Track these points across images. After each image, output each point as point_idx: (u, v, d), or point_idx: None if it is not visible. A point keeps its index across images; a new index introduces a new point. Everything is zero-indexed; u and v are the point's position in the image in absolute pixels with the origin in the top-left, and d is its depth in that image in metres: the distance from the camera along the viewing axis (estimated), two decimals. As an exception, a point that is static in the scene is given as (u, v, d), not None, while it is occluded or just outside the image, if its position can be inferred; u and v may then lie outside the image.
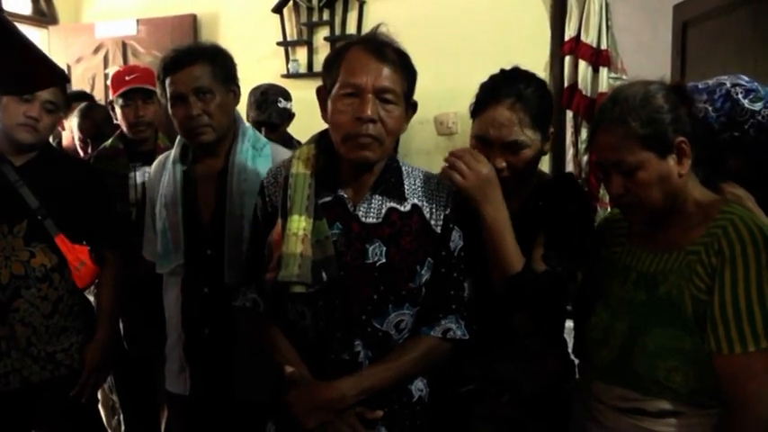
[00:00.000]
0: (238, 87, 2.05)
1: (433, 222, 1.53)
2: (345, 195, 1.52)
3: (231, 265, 1.89)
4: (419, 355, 1.51)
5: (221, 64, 1.96)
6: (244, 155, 1.97)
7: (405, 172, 1.57)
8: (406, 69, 1.49)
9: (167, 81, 1.92)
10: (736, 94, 1.63)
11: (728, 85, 1.65)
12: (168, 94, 1.93)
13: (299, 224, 1.46)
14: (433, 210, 1.54)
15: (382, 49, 1.46)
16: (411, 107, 1.55)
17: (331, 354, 1.49)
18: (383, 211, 1.51)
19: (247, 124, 2.13)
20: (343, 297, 1.48)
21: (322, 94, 1.54)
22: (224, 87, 1.95)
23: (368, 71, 1.43)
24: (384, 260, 1.47)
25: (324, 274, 1.45)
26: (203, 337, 1.97)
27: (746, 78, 1.68)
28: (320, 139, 1.58)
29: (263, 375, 1.74)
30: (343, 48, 1.52)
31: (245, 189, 1.92)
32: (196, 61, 1.90)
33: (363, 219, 1.50)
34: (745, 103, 1.62)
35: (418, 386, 1.57)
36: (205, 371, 1.99)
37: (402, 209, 1.52)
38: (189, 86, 1.88)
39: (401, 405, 1.53)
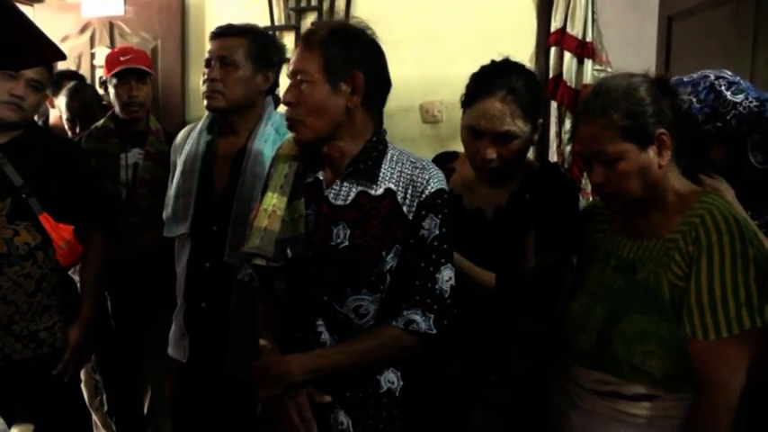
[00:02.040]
0: (274, 75, 2.10)
1: (405, 208, 1.48)
2: (322, 177, 1.55)
3: (232, 244, 1.91)
4: (376, 344, 1.48)
5: (260, 45, 2.04)
6: (264, 138, 2.01)
7: (390, 156, 1.54)
8: (327, 44, 1.47)
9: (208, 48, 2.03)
10: (720, 86, 1.67)
11: (712, 77, 1.69)
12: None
13: (271, 201, 1.53)
14: (408, 195, 1.49)
15: (307, 34, 1.51)
16: (352, 78, 1.48)
17: (298, 332, 1.52)
18: (352, 194, 1.50)
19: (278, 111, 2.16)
20: (309, 277, 1.50)
21: None
22: (253, 66, 2.02)
23: (292, 61, 1.52)
24: (347, 243, 1.47)
25: (289, 251, 1.49)
26: (201, 310, 2.02)
27: (730, 72, 1.72)
28: None
29: (252, 354, 1.77)
30: None
31: (258, 172, 1.94)
32: (235, 35, 2.01)
33: (333, 201, 1.51)
34: (728, 94, 1.65)
35: (389, 378, 1.53)
36: (201, 342, 2.04)
37: (373, 192, 1.49)
38: (216, 53, 1.99)
39: (366, 394, 1.51)
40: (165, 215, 2.16)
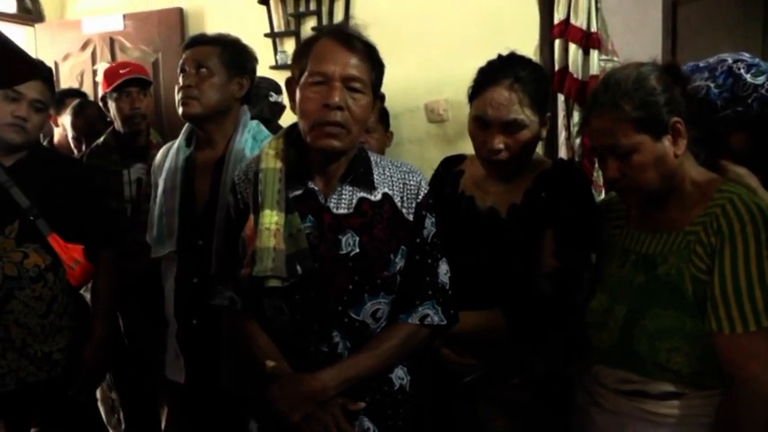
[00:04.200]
0: (248, 82, 2.09)
1: (404, 211, 1.53)
2: (316, 188, 1.53)
3: (218, 256, 1.88)
4: (398, 343, 1.51)
5: (232, 53, 2.04)
6: (242, 145, 2.00)
7: (374, 162, 1.58)
8: (372, 60, 1.51)
9: (182, 57, 2.02)
10: (738, 69, 1.62)
11: (730, 61, 1.64)
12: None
13: (271, 218, 1.48)
14: (405, 198, 1.54)
15: (350, 39, 1.49)
16: (378, 98, 1.57)
17: (310, 346, 1.49)
18: (354, 201, 1.51)
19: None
20: (319, 289, 1.48)
21: (291, 86, 1.55)
22: (227, 73, 2.01)
23: (336, 60, 1.46)
24: (357, 250, 1.48)
25: (298, 267, 1.46)
26: (192, 327, 1.99)
27: (748, 55, 1.67)
28: (289, 132, 1.59)
29: (245, 369, 1.75)
30: (312, 38, 1.53)
31: None
32: (208, 43, 2.01)
33: (335, 210, 1.50)
34: (748, 77, 1.60)
35: (399, 375, 1.57)
36: (196, 360, 2.01)
37: (373, 198, 1.52)
38: (191, 60, 1.98)
39: (383, 394, 1.53)
40: (149, 237, 2.15)
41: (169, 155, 2.09)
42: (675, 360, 1.40)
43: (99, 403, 2.63)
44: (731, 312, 1.33)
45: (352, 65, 1.46)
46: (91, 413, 2.30)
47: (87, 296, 2.33)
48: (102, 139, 2.77)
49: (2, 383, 2.03)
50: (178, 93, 1.98)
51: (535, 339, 1.66)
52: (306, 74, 1.48)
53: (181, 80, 1.99)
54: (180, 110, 1.98)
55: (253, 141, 2.02)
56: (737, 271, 1.33)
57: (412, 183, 1.56)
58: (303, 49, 1.52)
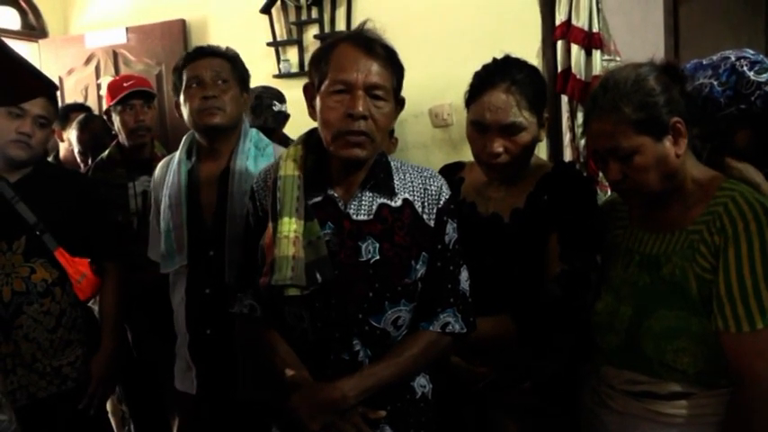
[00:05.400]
0: (248, 97, 2.11)
1: (425, 216, 1.50)
2: (335, 194, 1.50)
3: (232, 265, 1.88)
4: (419, 351, 1.48)
5: (240, 68, 2.05)
6: (246, 155, 1.99)
7: (394, 167, 1.55)
8: (394, 65, 1.48)
9: (186, 68, 1.98)
10: (741, 66, 1.61)
11: (733, 58, 1.63)
12: (185, 78, 1.97)
13: (290, 226, 1.45)
14: (425, 204, 1.51)
15: (371, 44, 1.45)
16: (399, 103, 1.54)
17: (331, 354, 1.48)
18: (374, 207, 1.48)
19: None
20: (339, 296, 1.46)
21: (309, 92, 1.52)
22: (239, 87, 2.02)
23: (357, 67, 1.41)
24: (378, 257, 1.45)
25: (318, 276, 1.43)
26: (206, 338, 1.99)
27: (752, 51, 1.66)
28: (307, 138, 1.57)
29: (263, 374, 1.75)
30: (330, 44, 1.49)
31: (245, 189, 1.89)
32: (218, 56, 2.01)
33: (355, 216, 1.48)
34: (751, 74, 1.59)
35: (420, 383, 1.55)
36: (210, 370, 2.00)
37: (393, 204, 1.49)
38: (209, 71, 1.96)
39: (404, 403, 1.51)
40: (151, 253, 2.14)
41: (170, 169, 2.07)
42: (682, 360, 1.39)
43: (110, 415, 2.63)
44: (737, 311, 1.32)
45: (375, 72, 1.42)
46: (102, 426, 2.30)
47: (95, 309, 2.34)
48: (106, 152, 2.79)
49: (12, 399, 2.03)
50: (197, 101, 1.94)
51: (544, 343, 1.65)
52: (326, 81, 1.44)
53: (200, 91, 1.94)
54: (203, 120, 1.94)
55: (255, 150, 2.02)
56: (742, 269, 1.32)
57: (433, 188, 1.52)
58: (322, 55, 1.48)
